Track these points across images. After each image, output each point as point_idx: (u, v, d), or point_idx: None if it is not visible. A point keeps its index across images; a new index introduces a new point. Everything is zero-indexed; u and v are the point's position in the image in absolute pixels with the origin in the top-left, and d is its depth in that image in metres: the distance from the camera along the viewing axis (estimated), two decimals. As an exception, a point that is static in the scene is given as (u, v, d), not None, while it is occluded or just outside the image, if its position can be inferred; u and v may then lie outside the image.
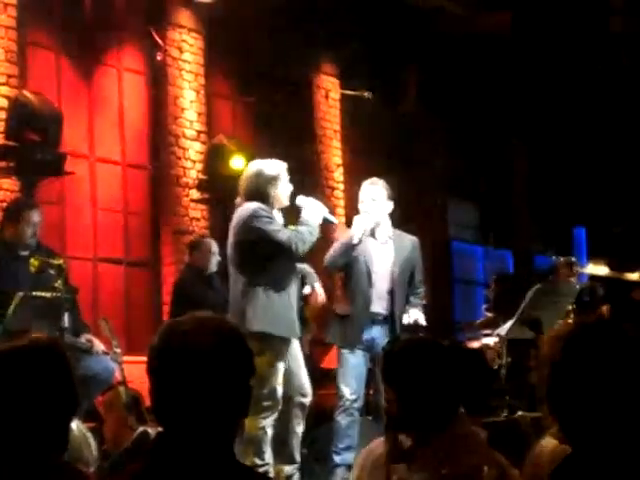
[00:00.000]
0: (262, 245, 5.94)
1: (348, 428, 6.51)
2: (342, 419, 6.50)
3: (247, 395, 2.35)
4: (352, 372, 6.55)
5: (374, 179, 6.82)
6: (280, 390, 5.92)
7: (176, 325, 2.33)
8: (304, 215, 6.14)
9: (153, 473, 2.26)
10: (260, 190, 6.05)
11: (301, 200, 6.20)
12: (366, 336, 6.59)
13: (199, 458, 2.25)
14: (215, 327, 2.33)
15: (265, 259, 5.97)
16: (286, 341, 5.98)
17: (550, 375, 2.36)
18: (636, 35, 11.88)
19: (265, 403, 5.84)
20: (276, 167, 6.14)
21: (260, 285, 5.96)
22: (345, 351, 6.59)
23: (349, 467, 6.44)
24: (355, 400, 6.55)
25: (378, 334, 6.63)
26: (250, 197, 6.07)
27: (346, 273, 6.69)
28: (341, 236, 6.86)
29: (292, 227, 6.10)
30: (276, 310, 5.93)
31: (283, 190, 6.11)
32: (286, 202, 6.17)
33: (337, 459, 6.49)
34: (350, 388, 6.53)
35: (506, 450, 3.36)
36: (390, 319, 6.70)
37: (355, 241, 6.59)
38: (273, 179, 6.07)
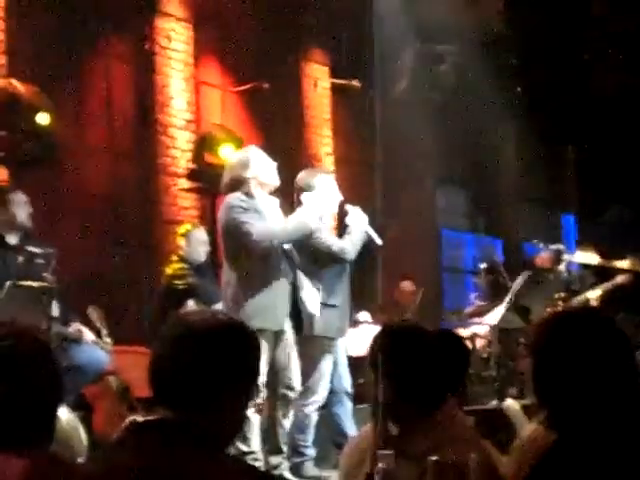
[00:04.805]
0: (236, 236, 5.92)
1: (314, 422, 6.50)
2: (314, 415, 6.46)
3: (251, 390, 2.40)
4: (330, 367, 6.52)
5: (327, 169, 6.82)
6: (260, 379, 5.91)
7: (185, 320, 2.39)
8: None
9: (142, 459, 2.26)
10: (235, 178, 6.07)
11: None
12: None
13: (185, 446, 2.26)
14: (225, 324, 2.37)
15: (245, 250, 5.94)
16: (266, 332, 5.90)
17: (535, 362, 2.38)
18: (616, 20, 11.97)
19: None
20: (244, 151, 6.25)
21: (241, 276, 5.94)
22: (327, 344, 6.49)
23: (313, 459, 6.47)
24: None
25: None
26: (229, 188, 6.09)
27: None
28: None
29: (284, 221, 6.04)
30: (255, 302, 5.88)
31: (260, 170, 6.05)
32: (273, 181, 6.11)
33: (312, 452, 6.46)
34: (327, 384, 6.52)
35: (494, 438, 3.37)
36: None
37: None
38: (243, 164, 6.06)
